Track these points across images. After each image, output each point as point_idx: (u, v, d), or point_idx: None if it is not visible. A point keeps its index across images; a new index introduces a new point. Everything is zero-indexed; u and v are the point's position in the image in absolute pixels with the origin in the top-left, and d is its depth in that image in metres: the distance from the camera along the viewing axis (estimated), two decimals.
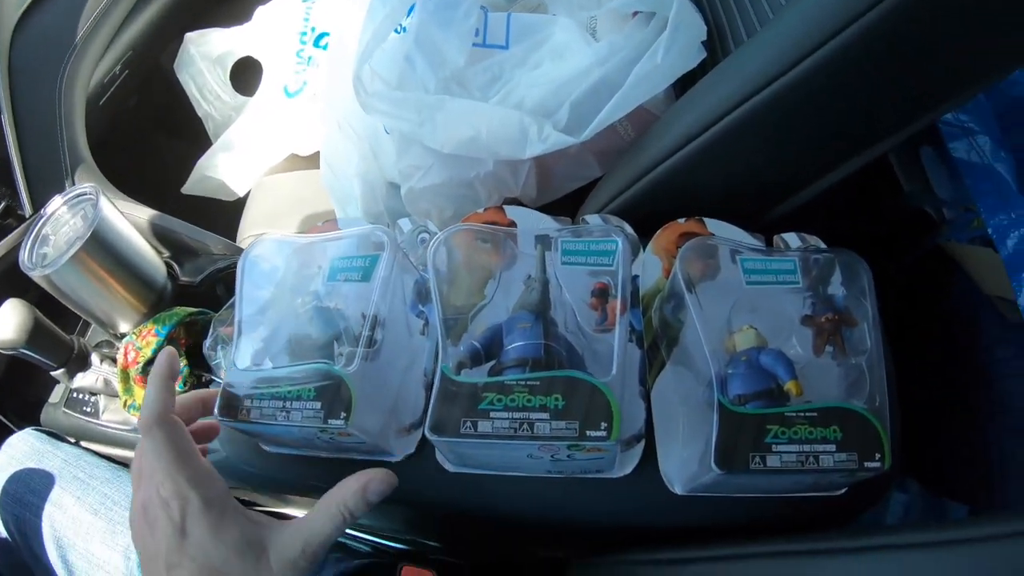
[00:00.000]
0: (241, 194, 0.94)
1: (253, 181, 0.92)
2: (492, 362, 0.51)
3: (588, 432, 0.45)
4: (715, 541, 0.52)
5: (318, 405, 0.51)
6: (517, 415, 0.46)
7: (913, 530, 0.42)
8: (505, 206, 0.58)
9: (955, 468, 0.75)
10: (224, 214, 0.94)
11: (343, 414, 0.50)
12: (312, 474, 0.60)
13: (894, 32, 0.46)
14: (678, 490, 0.52)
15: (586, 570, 0.59)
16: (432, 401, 0.48)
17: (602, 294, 0.51)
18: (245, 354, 0.57)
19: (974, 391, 0.74)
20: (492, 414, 0.47)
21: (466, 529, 0.64)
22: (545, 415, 0.46)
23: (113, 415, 0.80)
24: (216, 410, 0.53)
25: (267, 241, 0.63)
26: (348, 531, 0.75)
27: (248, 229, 0.90)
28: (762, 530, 0.54)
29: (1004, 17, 0.48)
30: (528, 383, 0.47)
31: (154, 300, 0.79)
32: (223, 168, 0.93)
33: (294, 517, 0.80)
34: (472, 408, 0.47)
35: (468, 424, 0.47)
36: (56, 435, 0.82)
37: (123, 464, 0.79)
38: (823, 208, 0.72)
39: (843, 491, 0.53)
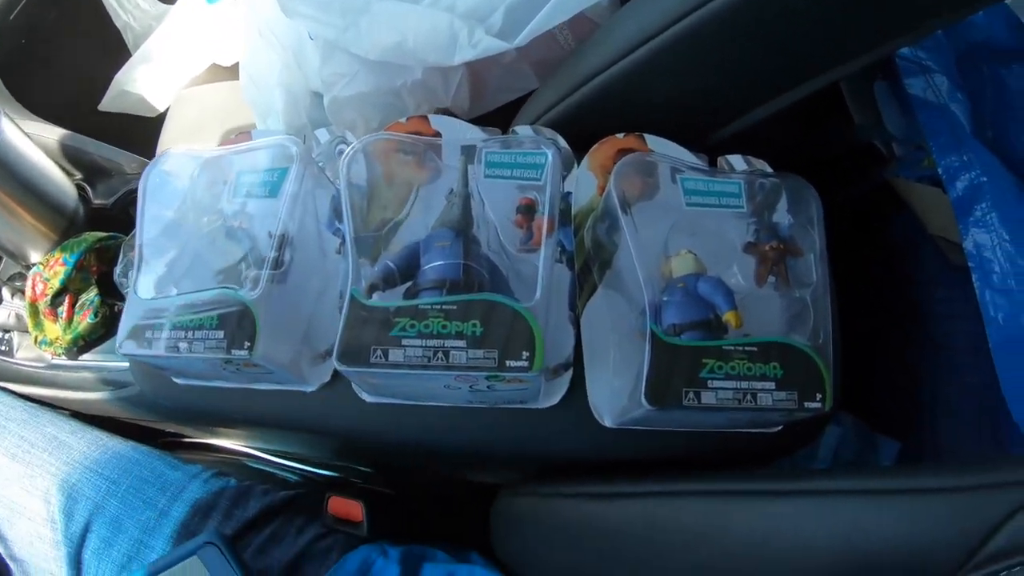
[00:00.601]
0: (161, 108, 0.84)
1: (174, 95, 0.82)
2: (408, 284, 0.44)
3: (508, 362, 0.39)
4: (645, 475, 0.47)
5: (221, 334, 0.45)
6: (431, 343, 0.40)
7: (842, 476, 0.39)
8: (430, 115, 0.50)
9: (888, 403, 0.72)
10: (145, 131, 0.84)
11: (247, 343, 0.44)
12: (228, 406, 0.55)
13: None
14: (608, 422, 0.47)
15: (512, 501, 0.54)
16: (340, 327, 0.42)
17: (528, 211, 0.45)
18: (148, 281, 0.51)
19: (911, 328, 0.70)
20: (404, 341, 0.41)
21: (392, 457, 0.59)
22: (462, 343, 0.40)
23: (28, 352, 0.72)
24: (118, 343, 0.47)
25: (172, 155, 0.55)
26: (276, 460, 0.70)
27: (167, 146, 0.79)
28: (693, 464, 0.50)
29: None
30: (444, 307, 0.41)
31: (65, 226, 0.71)
32: (142, 82, 0.82)
33: (223, 448, 0.75)
34: (383, 335, 0.41)
35: (378, 353, 0.41)
36: None
37: (41, 403, 0.71)
38: (771, 134, 0.66)
39: (779, 428, 0.48)
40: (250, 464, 0.69)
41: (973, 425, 0.67)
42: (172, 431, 0.71)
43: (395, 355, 0.40)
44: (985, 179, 0.64)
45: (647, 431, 0.47)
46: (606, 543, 0.47)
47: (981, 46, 0.75)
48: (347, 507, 0.58)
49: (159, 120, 0.83)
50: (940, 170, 0.66)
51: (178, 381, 0.55)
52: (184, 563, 0.51)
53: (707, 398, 0.40)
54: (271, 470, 0.68)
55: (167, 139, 0.78)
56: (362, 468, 0.66)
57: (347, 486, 0.61)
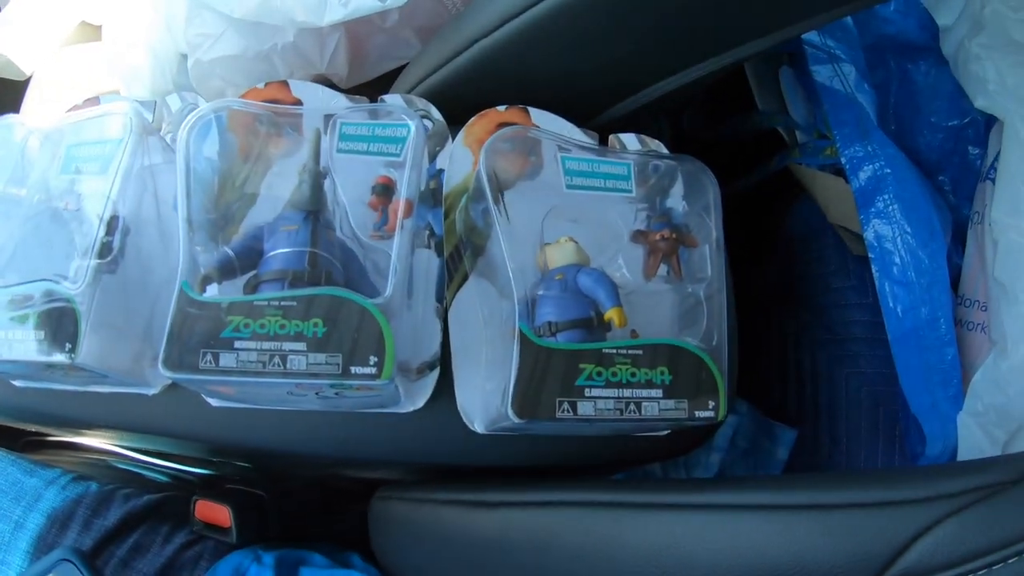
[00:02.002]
0: (30, 72, 0.72)
1: (44, 56, 0.71)
2: (250, 274, 0.36)
3: (353, 368, 0.32)
4: (525, 482, 0.41)
5: (41, 335, 0.37)
6: (267, 345, 0.33)
7: (743, 488, 0.33)
8: (291, 81, 0.42)
9: (785, 392, 0.68)
10: (12, 96, 0.72)
11: (68, 345, 0.36)
12: (67, 408, 0.46)
13: None
14: (479, 428, 0.40)
15: (387, 505, 0.47)
16: (167, 326, 0.34)
17: (384, 191, 0.37)
18: None
19: (808, 317, 0.66)
20: (237, 343, 0.33)
21: (251, 460, 0.51)
22: (301, 345, 0.32)
23: None
24: None
25: (3, 123, 0.45)
26: (144, 459, 0.61)
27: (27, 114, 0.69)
28: (576, 470, 0.44)
29: None
30: (283, 303, 0.33)
31: None
32: (9, 42, 0.70)
33: (90, 447, 0.65)
34: (214, 336, 0.33)
35: (208, 357, 0.33)
36: None
37: None
38: (668, 115, 0.60)
39: (666, 432, 0.42)
40: (116, 464, 0.60)
41: (870, 415, 0.63)
42: (34, 430, 0.61)
43: (226, 360, 0.33)
44: (889, 171, 0.61)
45: (522, 436, 0.41)
46: (486, 554, 0.41)
47: (890, 39, 0.71)
48: (215, 512, 0.50)
49: (24, 85, 0.71)
50: (844, 160, 0.62)
51: (16, 383, 0.46)
52: None
53: (584, 409, 0.34)
54: (138, 470, 0.59)
55: (29, 106, 0.67)
56: (239, 463, 0.58)
57: (216, 488, 0.53)
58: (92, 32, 0.68)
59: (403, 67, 0.52)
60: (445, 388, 0.40)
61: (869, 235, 0.60)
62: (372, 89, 0.51)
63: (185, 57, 0.55)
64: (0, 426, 0.61)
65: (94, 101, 0.50)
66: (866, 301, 0.64)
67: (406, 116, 0.37)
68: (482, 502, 0.41)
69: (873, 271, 0.59)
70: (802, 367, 0.66)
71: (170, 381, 0.42)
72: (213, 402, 0.40)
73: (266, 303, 0.33)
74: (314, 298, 0.33)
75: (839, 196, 0.63)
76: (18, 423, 0.55)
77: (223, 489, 0.52)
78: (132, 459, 0.59)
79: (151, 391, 0.42)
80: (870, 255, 0.60)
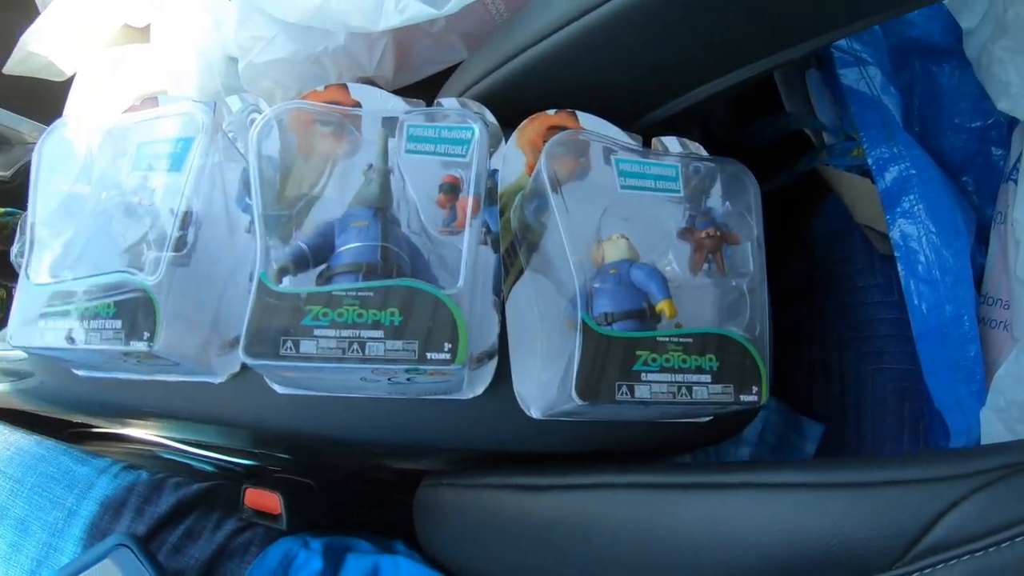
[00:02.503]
0: (70, 72, 0.75)
1: (84, 58, 0.74)
2: (321, 267, 0.39)
3: (429, 354, 0.35)
4: (575, 466, 0.44)
5: (118, 324, 0.39)
6: (346, 333, 0.35)
7: (779, 469, 0.36)
8: (350, 84, 0.45)
9: (812, 388, 0.71)
10: (54, 97, 0.75)
11: (146, 334, 0.39)
12: (131, 399, 0.48)
13: None
14: (535, 414, 0.43)
15: (436, 492, 0.50)
16: (247, 316, 0.36)
17: (451, 190, 0.40)
18: (41, 263, 0.44)
19: (836, 315, 0.69)
20: (317, 331, 0.36)
21: (309, 448, 0.54)
22: (379, 333, 0.35)
23: None
24: (8, 334, 0.41)
25: (69, 123, 0.48)
26: (190, 450, 0.64)
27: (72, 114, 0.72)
28: (622, 455, 0.47)
29: None
30: (360, 294, 0.36)
31: None
32: (50, 43, 0.73)
33: (135, 438, 0.68)
34: (293, 324, 0.36)
35: (289, 344, 0.36)
36: None
37: None
38: (701, 117, 0.63)
39: (708, 418, 0.45)
40: (163, 455, 0.62)
41: (895, 410, 0.66)
42: (81, 421, 0.64)
43: (307, 346, 0.35)
44: (914, 171, 0.63)
45: (575, 422, 0.43)
46: (536, 536, 0.44)
47: (914, 42, 0.73)
48: (265, 499, 0.53)
49: (68, 85, 0.74)
50: (870, 161, 0.64)
51: (79, 373, 0.48)
52: (96, 567, 0.46)
53: (641, 392, 0.37)
54: (185, 460, 0.62)
55: (73, 106, 0.70)
56: (280, 455, 0.61)
57: (265, 477, 0.56)
58: (134, 34, 0.71)
59: (447, 71, 0.55)
60: (503, 376, 0.43)
61: (895, 235, 0.63)
62: (416, 92, 0.54)
63: (232, 59, 0.58)
64: (45, 418, 0.65)
65: (152, 101, 0.53)
66: (892, 299, 0.66)
67: (470, 119, 0.40)
68: (532, 486, 0.44)
69: (899, 270, 0.61)
70: (829, 364, 0.69)
71: (236, 370, 0.45)
72: (279, 389, 0.43)
73: (344, 293, 0.36)
74: (390, 289, 0.36)
75: (866, 196, 0.66)
76: (75, 413, 0.58)
77: (272, 477, 0.55)
78: (179, 449, 0.62)
79: (217, 380, 0.45)
80: (896, 254, 0.62)
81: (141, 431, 0.63)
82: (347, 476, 0.61)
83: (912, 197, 0.64)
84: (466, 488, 0.47)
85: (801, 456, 0.68)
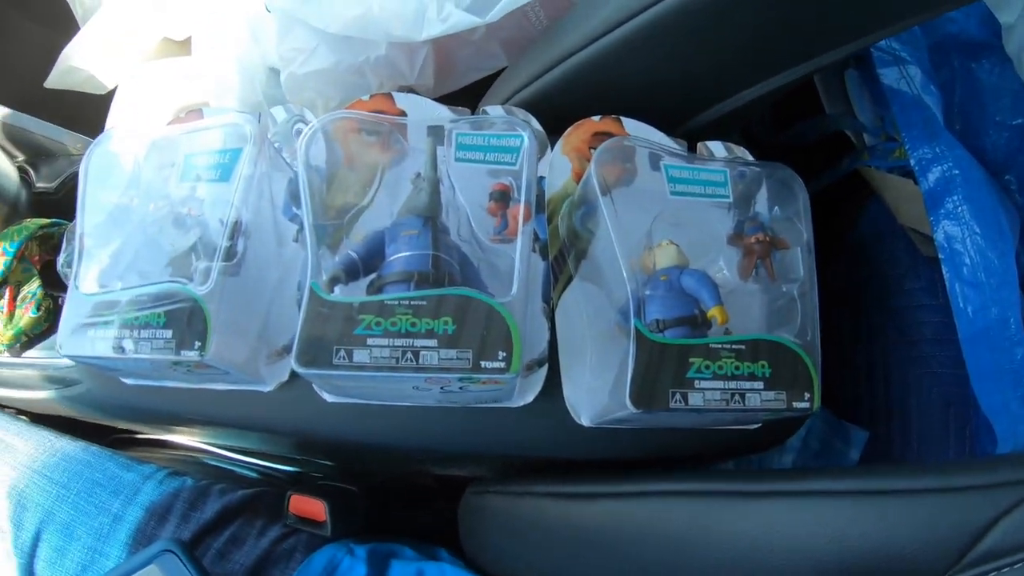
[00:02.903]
0: (111, 86, 0.77)
1: (124, 71, 0.75)
2: (372, 276, 0.39)
3: (483, 363, 0.35)
4: (623, 474, 0.43)
5: (169, 333, 0.40)
6: (399, 342, 0.35)
7: (830, 476, 0.36)
8: (395, 93, 0.45)
9: (856, 393, 0.69)
10: (95, 110, 0.77)
11: (197, 343, 0.39)
12: (179, 407, 0.49)
13: None
14: (585, 422, 0.43)
15: (482, 499, 0.50)
16: (299, 325, 0.37)
17: (502, 197, 0.40)
18: (90, 273, 0.45)
19: (881, 318, 0.68)
20: (370, 341, 0.36)
21: (352, 453, 0.54)
22: (432, 342, 0.35)
23: None
24: (58, 343, 0.42)
25: (115, 135, 0.49)
26: (234, 456, 0.64)
27: (114, 126, 0.73)
28: (671, 462, 0.47)
29: None
30: (413, 303, 0.36)
31: (6, 212, 0.64)
32: (91, 57, 0.75)
33: (179, 444, 0.69)
34: (346, 334, 0.36)
35: (342, 353, 0.36)
36: None
37: None
38: (741, 121, 0.62)
39: (758, 425, 0.45)
40: (207, 461, 0.63)
41: (941, 415, 0.65)
42: (124, 427, 0.65)
43: (360, 356, 0.36)
44: (957, 172, 0.62)
45: (624, 430, 0.43)
46: (584, 544, 0.43)
47: (953, 38, 0.72)
48: (309, 506, 0.53)
49: (108, 99, 0.76)
50: (913, 162, 0.63)
51: (126, 381, 0.49)
52: (141, 572, 0.46)
53: (694, 399, 0.37)
54: (229, 467, 0.62)
55: (115, 118, 0.71)
56: (323, 462, 0.61)
57: (308, 483, 0.56)
58: (174, 48, 0.73)
59: (487, 78, 0.55)
60: (553, 384, 0.43)
61: (939, 236, 0.62)
62: (456, 100, 0.55)
63: (273, 70, 0.59)
64: (87, 424, 0.66)
65: (197, 113, 0.53)
66: (937, 302, 0.65)
67: (519, 127, 0.40)
68: (581, 493, 0.44)
69: (944, 272, 0.60)
70: (873, 368, 0.68)
71: (285, 378, 0.45)
72: (328, 397, 0.43)
73: (396, 302, 0.36)
74: (443, 298, 0.36)
75: (909, 198, 0.65)
76: (120, 420, 0.59)
77: (316, 484, 0.55)
78: (222, 456, 0.63)
79: (266, 388, 0.45)
80: (940, 256, 0.61)
81: (185, 437, 0.64)
82: (390, 482, 0.61)
83: (956, 198, 0.63)
84: (514, 495, 0.47)
85: (845, 462, 0.67)
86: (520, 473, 0.49)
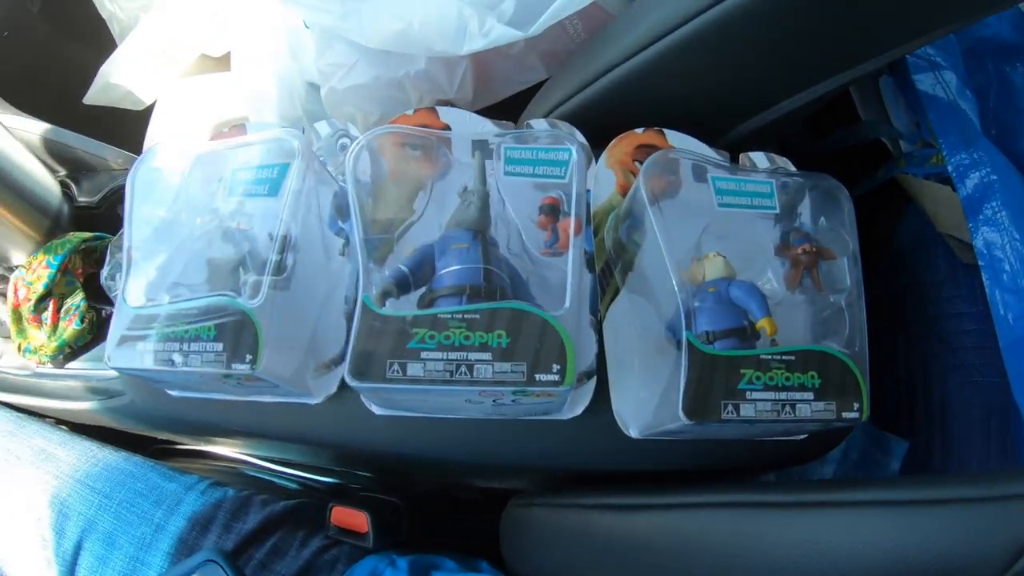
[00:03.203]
0: (148, 102, 0.78)
1: (161, 87, 0.76)
2: (422, 289, 0.40)
3: (537, 376, 0.35)
4: (671, 485, 0.43)
5: (220, 346, 0.40)
6: (453, 355, 0.36)
7: (875, 487, 0.35)
8: (439, 107, 0.46)
9: (896, 403, 0.69)
10: (133, 125, 0.78)
11: (249, 356, 0.40)
12: (226, 419, 0.50)
13: None
14: (633, 433, 0.43)
15: (526, 511, 0.50)
16: (352, 339, 0.37)
17: (552, 211, 0.40)
18: (137, 287, 0.46)
19: (920, 327, 0.68)
20: (424, 354, 0.36)
21: (398, 466, 0.55)
22: (487, 355, 0.36)
23: (11, 360, 0.66)
24: (106, 355, 0.43)
25: (161, 150, 0.50)
26: (275, 467, 0.65)
27: (154, 141, 0.74)
28: (719, 473, 0.47)
29: None
30: (466, 316, 0.36)
31: (49, 226, 0.65)
32: (129, 74, 0.76)
33: (219, 455, 0.70)
34: (400, 347, 0.36)
35: (395, 367, 0.36)
36: None
37: (28, 413, 0.66)
38: (779, 131, 0.62)
39: (803, 436, 0.45)
40: (247, 472, 0.64)
41: (981, 424, 0.64)
42: (165, 438, 0.65)
43: (414, 369, 0.36)
44: (995, 177, 0.62)
45: (672, 441, 0.43)
46: (631, 556, 0.43)
47: (987, 42, 0.72)
48: (351, 517, 0.54)
49: (146, 114, 0.77)
50: (950, 168, 0.63)
51: (172, 393, 0.50)
52: None
53: (746, 411, 0.37)
54: (269, 478, 0.63)
55: (154, 134, 0.73)
56: (362, 474, 0.62)
57: (350, 495, 0.57)
58: (211, 64, 0.74)
59: (526, 91, 0.56)
60: (601, 396, 0.43)
61: (978, 243, 0.61)
62: (495, 113, 0.55)
63: (311, 85, 0.60)
64: (127, 435, 0.67)
65: (240, 129, 0.54)
66: (977, 310, 0.64)
67: (567, 141, 0.40)
68: (628, 505, 0.44)
69: (983, 279, 0.60)
70: (914, 377, 0.67)
71: (332, 391, 0.45)
72: (377, 410, 0.44)
73: (450, 316, 0.36)
74: (497, 312, 0.36)
75: (947, 204, 0.64)
76: (163, 431, 0.60)
77: (358, 496, 0.55)
78: (262, 467, 0.64)
79: (314, 401, 0.46)
80: (980, 263, 0.60)
81: (225, 448, 0.65)
82: (431, 494, 0.61)
83: (994, 204, 0.62)
84: (559, 507, 0.47)
85: (886, 473, 0.66)
86: (563, 486, 0.49)
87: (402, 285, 0.39)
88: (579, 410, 0.43)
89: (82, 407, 0.63)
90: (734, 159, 0.48)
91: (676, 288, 0.38)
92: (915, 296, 0.68)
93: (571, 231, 0.38)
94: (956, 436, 0.64)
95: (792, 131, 0.70)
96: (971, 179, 0.63)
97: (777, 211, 0.42)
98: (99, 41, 0.87)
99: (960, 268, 0.65)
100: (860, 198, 0.71)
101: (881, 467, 0.67)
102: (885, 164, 0.68)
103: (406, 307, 0.39)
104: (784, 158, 0.48)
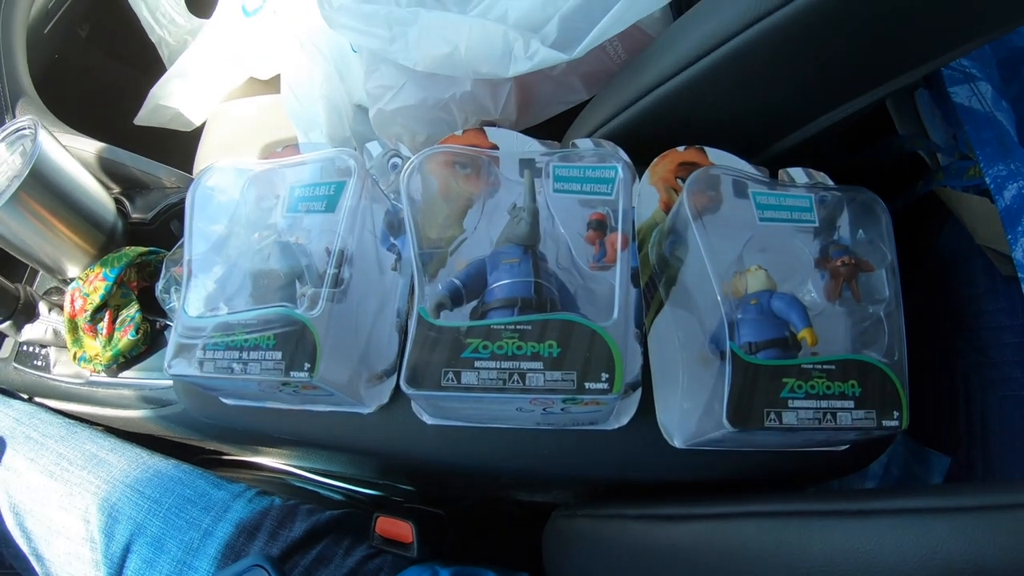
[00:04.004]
0: (198, 123, 0.82)
1: (210, 109, 0.80)
2: (474, 302, 0.42)
3: (587, 384, 0.37)
4: (714, 495, 0.45)
5: (279, 355, 0.43)
6: (506, 364, 0.38)
7: (921, 494, 0.36)
8: (486, 127, 0.48)
9: (937, 417, 0.69)
10: (181, 146, 0.82)
11: (307, 365, 0.42)
12: (280, 427, 0.52)
13: None
14: (678, 443, 0.45)
15: (570, 522, 0.52)
16: (408, 348, 0.40)
17: (599, 226, 0.43)
18: (197, 298, 0.48)
19: (960, 341, 0.68)
20: (477, 363, 0.38)
21: (444, 477, 0.57)
22: (538, 364, 0.38)
23: (65, 368, 0.70)
24: (166, 363, 0.45)
25: (220, 169, 0.53)
26: (320, 479, 0.68)
27: (204, 161, 0.78)
28: (762, 484, 0.48)
29: None
30: (518, 327, 0.39)
31: (104, 241, 0.69)
32: (178, 96, 0.81)
33: (264, 466, 0.72)
34: (454, 356, 0.39)
35: (450, 375, 0.38)
36: (7, 392, 0.72)
37: (78, 419, 0.69)
38: (815, 147, 0.64)
39: (846, 446, 0.46)
40: (293, 482, 0.66)
41: (1023, 437, 0.64)
42: (212, 448, 0.68)
43: (468, 378, 0.38)
44: None
45: (715, 452, 0.45)
46: (676, 566, 0.45)
47: (1021, 51, 0.73)
48: (396, 527, 0.56)
49: (195, 134, 0.81)
50: (988, 180, 0.64)
51: (226, 401, 0.53)
52: None
53: (788, 418, 0.38)
54: (314, 488, 0.66)
55: (204, 154, 0.77)
56: (404, 487, 0.64)
57: (394, 506, 0.59)
58: (259, 86, 0.78)
59: (567, 112, 0.58)
60: (646, 407, 0.45)
61: (1018, 255, 0.61)
62: (538, 132, 0.58)
63: (359, 106, 0.63)
64: (176, 443, 0.70)
65: (293, 148, 0.57)
66: (1017, 322, 0.65)
67: (612, 159, 0.42)
68: (671, 515, 0.45)
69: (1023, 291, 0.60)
70: (955, 391, 0.68)
71: (384, 401, 0.48)
72: (428, 420, 0.46)
73: (503, 327, 0.39)
74: (548, 323, 0.38)
75: (986, 217, 0.65)
76: (213, 440, 0.63)
77: (403, 507, 0.58)
78: (307, 478, 0.66)
79: (367, 410, 0.48)
80: (1020, 275, 0.61)
81: (271, 460, 0.68)
82: (474, 507, 0.63)
83: None
84: (603, 518, 0.49)
85: None
86: (604, 497, 0.51)
87: (456, 298, 0.42)
88: (625, 421, 0.45)
89: (134, 415, 0.66)
90: (773, 174, 0.50)
91: (720, 300, 0.39)
92: (954, 309, 0.69)
93: (618, 245, 0.40)
94: (997, 449, 0.64)
95: (830, 145, 0.71)
96: (1009, 190, 0.63)
97: (816, 224, 0.44)
98: (146, 63, 0.92)
99: (1000, 280, 0.66)
100: (899, 211, 0.73)
101: (923, 483, 0.67)
102: (923, 177, 0.69)
103: (459, 319, 0.41)
104: (822, 173, 0.50)
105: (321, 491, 0.66)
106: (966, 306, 0.68)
